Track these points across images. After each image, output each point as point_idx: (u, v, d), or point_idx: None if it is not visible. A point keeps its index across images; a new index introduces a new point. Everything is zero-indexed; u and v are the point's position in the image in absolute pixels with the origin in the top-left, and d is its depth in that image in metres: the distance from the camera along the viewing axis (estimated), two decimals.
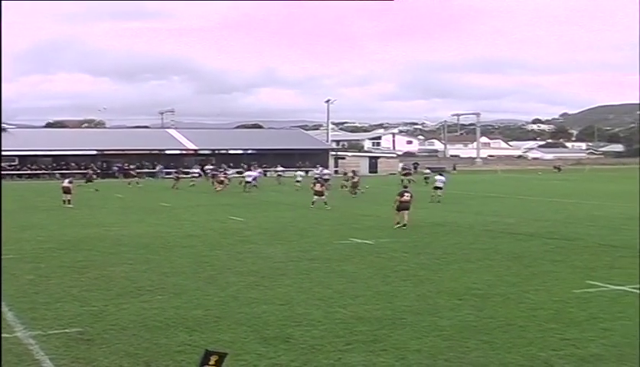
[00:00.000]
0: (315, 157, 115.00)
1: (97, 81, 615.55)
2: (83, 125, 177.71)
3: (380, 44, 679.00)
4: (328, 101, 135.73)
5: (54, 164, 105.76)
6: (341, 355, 12.45)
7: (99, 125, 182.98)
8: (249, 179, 70.46)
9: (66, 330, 13.98)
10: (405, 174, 78.61)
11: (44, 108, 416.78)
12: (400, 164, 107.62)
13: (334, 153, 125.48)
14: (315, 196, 45.05)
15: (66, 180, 50.18)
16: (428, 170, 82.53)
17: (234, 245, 26.90)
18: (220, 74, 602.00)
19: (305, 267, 21.82)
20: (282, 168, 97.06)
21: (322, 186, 46.97)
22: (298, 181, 72.43)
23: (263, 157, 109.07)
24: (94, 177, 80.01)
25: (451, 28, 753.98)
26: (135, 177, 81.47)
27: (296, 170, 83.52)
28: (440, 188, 50.78)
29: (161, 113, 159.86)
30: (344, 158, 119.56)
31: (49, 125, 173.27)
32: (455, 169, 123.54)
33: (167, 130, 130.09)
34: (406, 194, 34.20)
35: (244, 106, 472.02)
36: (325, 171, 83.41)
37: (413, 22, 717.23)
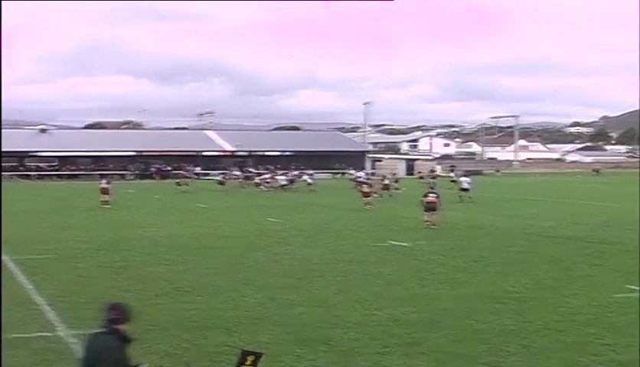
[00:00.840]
0: (352, 159, 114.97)
1: (137, 82, 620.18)
2: (122, 127, 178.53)
3: (420, 46, 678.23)
4: (366, 103, 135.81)
5: (93, 165, 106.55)
6: (380, 357, 12.43)
7: (137, 126, 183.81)
8: (284, 182, 71.34)
9: None
10: (433, 177, 78.37)
11: (84, 109, 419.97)
12: (430, 167, 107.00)
13: (371, 155, 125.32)
14: (365, 198, 45.34)
15: (104, 181, 50.47)
16: (453, 173, 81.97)
17: (271, 247, 26.94)
18: (259, 76, 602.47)
19: (342, 269, 21.81)
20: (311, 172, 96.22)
21: (370, 187, 47.13)
22: (309, 184, 73.18)
23: (300, 159, 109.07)
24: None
25: (490, 30, 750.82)
26: (186, 178, 79.61)
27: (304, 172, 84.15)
28: (466, 189, 50.83)
29: (200, 115, 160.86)
30: (381, 160, 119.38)
31: (88, 127, 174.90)
32: (498, 171, 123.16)
33: (205, 131, 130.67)
34: (431, 195, 34.66)
35: (283, 108, 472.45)
36: (360, 173, 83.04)
37: (453, 23, 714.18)
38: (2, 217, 39.18)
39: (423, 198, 34.68)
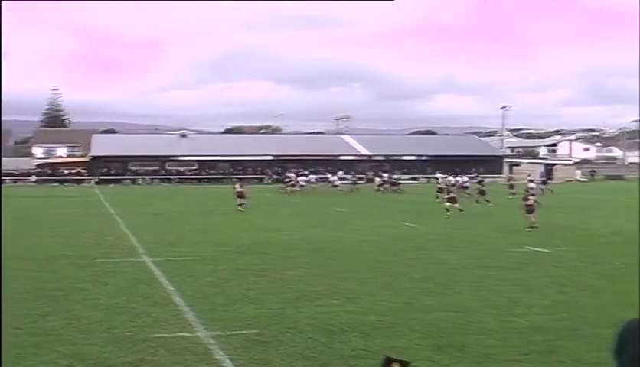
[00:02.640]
0: (490, 163, 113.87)
1: (278, 88, 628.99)
2: (260, 131, 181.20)
3: (559, 49, 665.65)
4: (503, 107, 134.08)
5: (232, 169, 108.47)
6: (516, 365, 12.23)
7: (275, 131, 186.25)
8: (303, 183, 72.69)
9: (244, 331, 14.27)
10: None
11: (226, 114, 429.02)
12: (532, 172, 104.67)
13: (508, 160, 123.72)
14: (448, 203, 44.16)
15: (238, 185, 51.17)
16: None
17: (408, 251, 26.84)
18: (398, 80, 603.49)
19: (479, 274, 21.54)
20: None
21: (450, 192, 46.17)
22: (335, 186, 73.05)
23: (437, 164, 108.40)
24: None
25: (632, 31, 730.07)
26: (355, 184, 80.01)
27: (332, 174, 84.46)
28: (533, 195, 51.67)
29: (337, 119, 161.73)
30: (518, 165, 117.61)
31: (227, 131, 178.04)
32: None
33: (341, 136, 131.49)
34: (530, 198, 36.54)
35: (420, 112, 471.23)
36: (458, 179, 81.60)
37: (593, 26, 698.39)
38: (150, 220, 40.42)
39: (524, 201, 36.32)
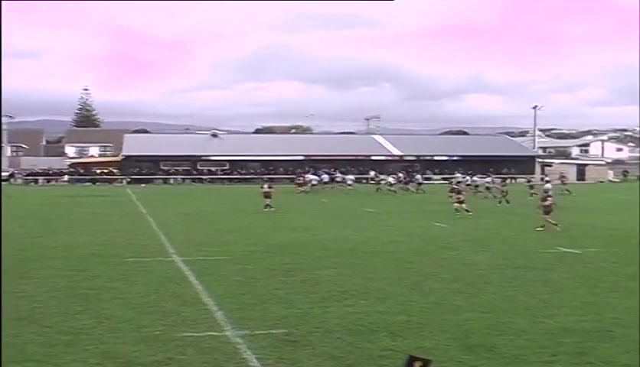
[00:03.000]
0: (522, 164, 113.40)
1: (308, 88, 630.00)
2: (291, 131, 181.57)
3: (592, 48, 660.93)
4: (535, 107, 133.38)
5: (262, 169, 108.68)
6: (547, 366, 12.16)
7: (306, 131, 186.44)
8: (315, 182, 75.73)
9: (272, 331, 14.28)
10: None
11: (257, 114, 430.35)
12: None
13: (540, 160, 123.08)
14: (456, 204, 44.30)
15: (266, 185, 51.15)
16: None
17: (438, 252, 26.77)
18: (428, 80, 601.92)
19: (510, 275, 21.44)
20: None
21: (460, 193, 45.83)
22: (349, 185, 73.55)
23: (468, 164, 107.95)
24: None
25: None
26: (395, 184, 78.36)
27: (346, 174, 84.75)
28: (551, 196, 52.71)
29: (367, 119, 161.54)
30: (550, 165, 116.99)
31: (258, 131, 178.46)
32: None
33: (372, 136, 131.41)
34: (548, 199, 37.19)
35: (451, 112, 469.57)
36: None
37: (625, 24, 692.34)
38: (181, 220, 40.60)
39: (542, 202, 36.78)
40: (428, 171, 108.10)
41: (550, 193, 43.53)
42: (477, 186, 71.57)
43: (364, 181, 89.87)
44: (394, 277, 21.02)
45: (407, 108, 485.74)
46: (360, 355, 12.74)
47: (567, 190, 70.20)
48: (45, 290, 18.39)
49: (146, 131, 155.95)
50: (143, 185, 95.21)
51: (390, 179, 78.68)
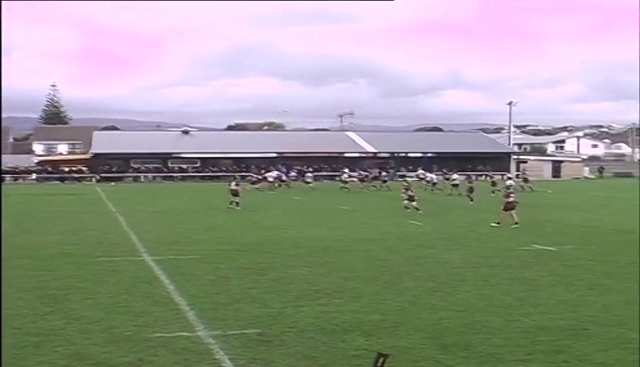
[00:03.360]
0: (496, 161, 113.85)
1: (284, 84, 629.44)
2: (264, 128, 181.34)
3: (568, 44, 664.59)
4: (510, 103, 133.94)
5: (235, 166, 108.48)
6: (522, 365, 12.22)
7: (279, 128, 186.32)
8: (271, 179, 77.09)
9: (245, 331, 14.27)
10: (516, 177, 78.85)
11: (230, 110, 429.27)
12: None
13: (515, 157, 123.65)
14: (405, 201, 44.86)
15: (234, 183, 50.83)
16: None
17: (412, 250, 26.85)
18: (405, 77, 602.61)
19: (485, 273, 21.53)
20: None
21: (409, 190, 46.01)
22: (308, 182, 77.17)
23: (443, 161, 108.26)
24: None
25: None
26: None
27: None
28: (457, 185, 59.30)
29: (340, 116, 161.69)
30: (525, 162, 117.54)
31: (230, 128, 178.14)
32: None
33: (346, 133, 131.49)
34: (511, 195, 37.98)
35: (427, 108, 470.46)
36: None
37: (602, 21, 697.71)
38: (151, 218, 40.49)
39: (505, 198, 37.41)
40: (402, 168, 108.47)
41: (512, 189, 45.79)
42: (434, 183, 72.10)
43: (336, 179, 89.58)
44: (368, 275, 21.03)
45: (383, 105, 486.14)
46: (333, 354, 12.76)
47: (530, 188, 70.71)
48: (14, 291, 18.25)
49: (116, 128, 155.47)
50: (113, 183, 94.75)
51: (344, 175, 78.89)
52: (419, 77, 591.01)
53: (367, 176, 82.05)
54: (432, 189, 69.56)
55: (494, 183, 65.72)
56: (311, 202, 55.47)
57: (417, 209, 42.93)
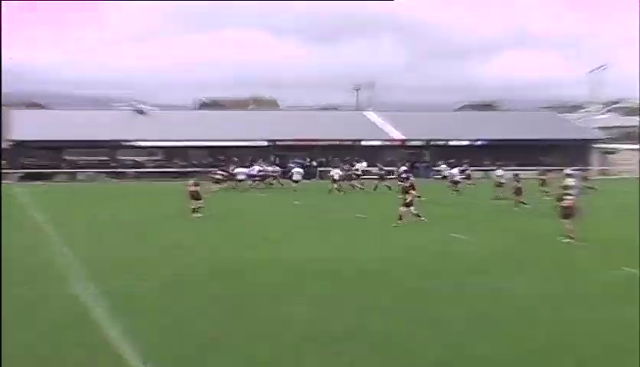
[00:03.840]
0: (572, 150, 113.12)
1: (276, 41, 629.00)
2: (250, 107, 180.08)
3: None
4: (593, 70, 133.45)
5: (210, 159, 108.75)
6: None
7: (270, 105, 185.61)
8: (242, 177, 79.32)
9: None
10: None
11: (201, 81, 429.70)
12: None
13: (600, 145, 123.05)
14: (402, 208, 44.54)
15: (192, 182, 50.28)
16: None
17: (457, 275, 26.62)
18: (446, 33, 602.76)
19: (566, 310, 21.08)
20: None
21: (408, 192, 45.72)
22: (295, 181, 79.47)
23: (497, 151, 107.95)
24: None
25: None
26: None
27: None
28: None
29: (356, 89, 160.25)
30: (613, 153, 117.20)
31: (203, 106, 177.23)
32: None
33: (364, 112, 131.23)
34: (567, 198, 36.86)
35: (476, 78, 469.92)
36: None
37: None
38: (91, 231, 40.32)
39: (558, 202, 36.68)
40: (440, 162, 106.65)
41: (572, 191, 42.94)
42: (456, 182, 72.06)
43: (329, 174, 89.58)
44: (396, 312, 20.71)
45: (416, 73, 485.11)
46: None
47: (593, 187, 70.59)
48: None
49: (41, 106, 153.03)
50: (41, 182, 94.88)
51: (334, 173, 78.62)
52: (467, 34, 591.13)
53: (389, 172, 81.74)
54: (455, 190, 69.88)
55: (543, 183, 65.40)
56: (315, 208, 55.34)
57: (419, 216, 43.73)
